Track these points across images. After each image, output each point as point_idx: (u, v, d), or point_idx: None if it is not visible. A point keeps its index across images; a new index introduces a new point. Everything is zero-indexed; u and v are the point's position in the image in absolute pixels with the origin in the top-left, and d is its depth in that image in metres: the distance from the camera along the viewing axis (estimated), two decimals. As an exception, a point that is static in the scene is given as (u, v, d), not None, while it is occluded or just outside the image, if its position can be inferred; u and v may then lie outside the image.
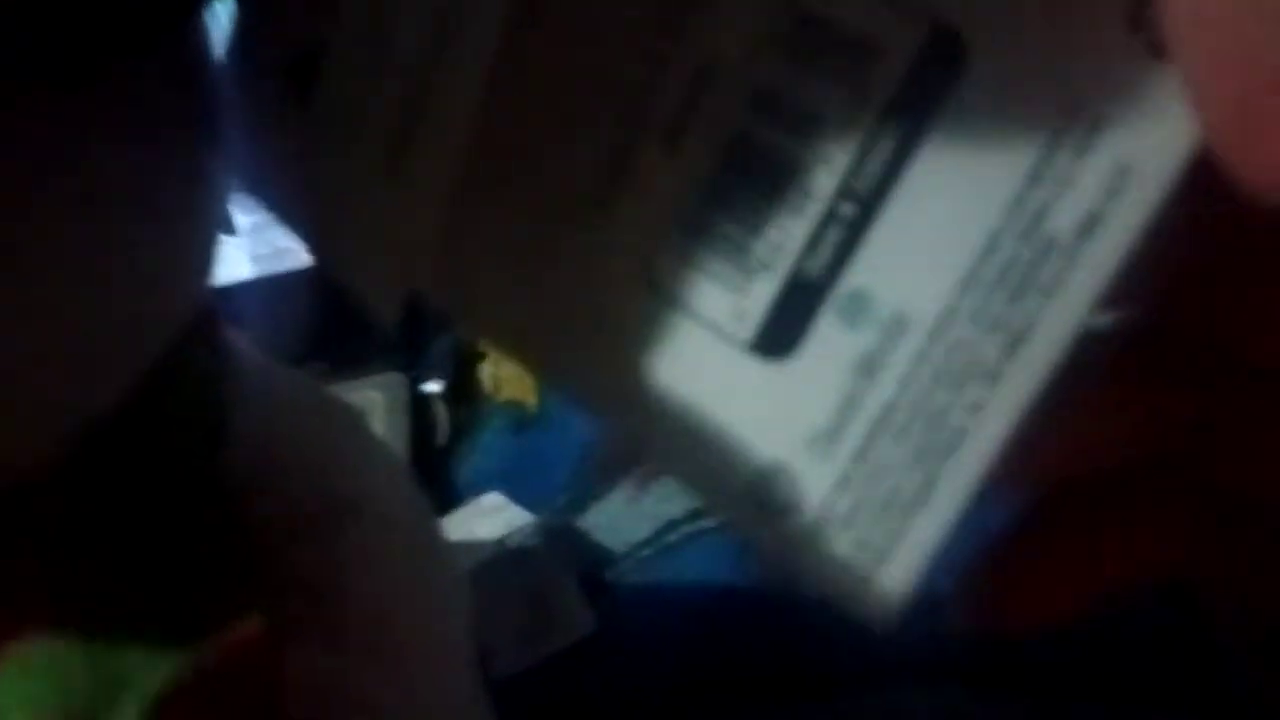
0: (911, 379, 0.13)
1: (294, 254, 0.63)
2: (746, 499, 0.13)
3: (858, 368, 0.13)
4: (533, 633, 0.46)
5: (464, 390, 0.61)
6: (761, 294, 0.13)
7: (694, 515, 0.50)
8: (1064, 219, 0.12)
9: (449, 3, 0.14)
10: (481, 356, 0.63)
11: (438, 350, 0.64)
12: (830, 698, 0.43)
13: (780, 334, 0.13)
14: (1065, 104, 0.12)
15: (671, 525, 0.50)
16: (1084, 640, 0.38)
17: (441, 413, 0.60)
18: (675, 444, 0.14)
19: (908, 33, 0.12)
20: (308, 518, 0.24)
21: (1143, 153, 0.12)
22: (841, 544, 0.13)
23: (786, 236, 0.13)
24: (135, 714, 0.17)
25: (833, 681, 0.43)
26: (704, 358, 0.14)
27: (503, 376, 0.61)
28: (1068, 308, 0.12)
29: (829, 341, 0.13)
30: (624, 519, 0.51)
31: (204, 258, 0.22)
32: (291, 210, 0.18)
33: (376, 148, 0.15)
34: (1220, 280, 0.13)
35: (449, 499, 0.55)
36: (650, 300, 0.14)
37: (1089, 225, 0.12)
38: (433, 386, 0.61)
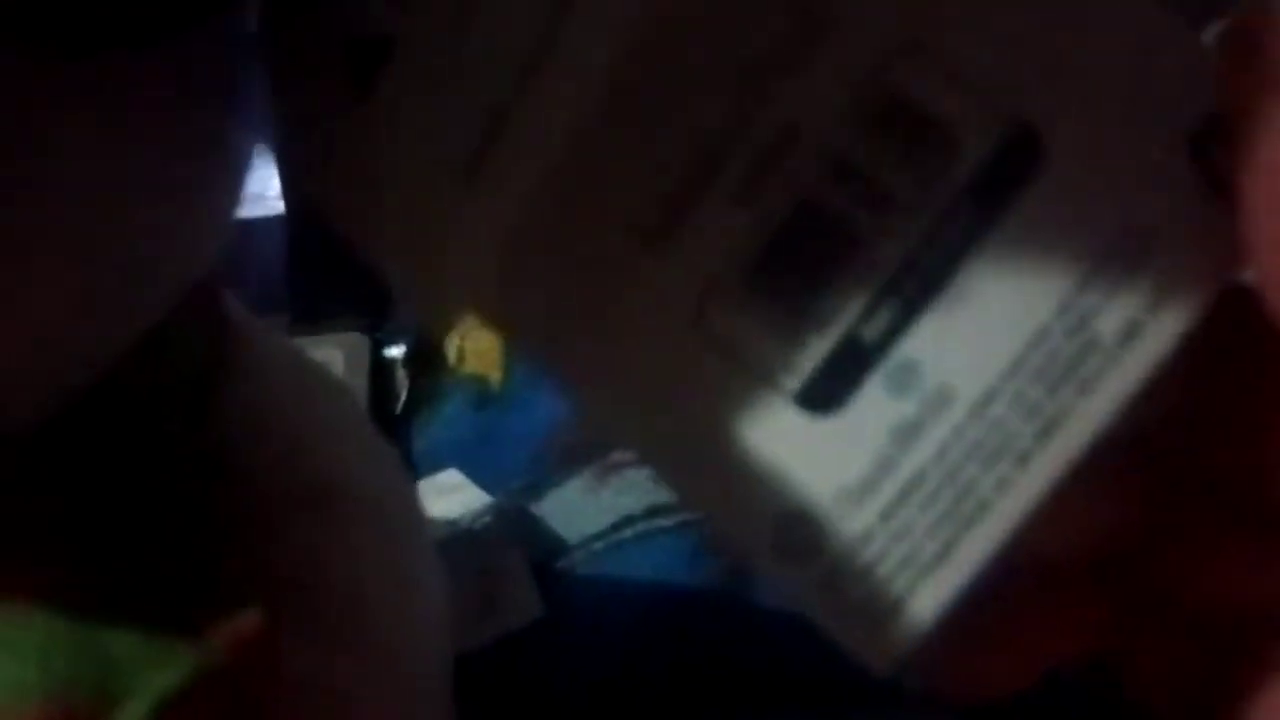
0: (946, 450, 0.14)
1: (261, 200, 0.61)
2: (769, 538, 0.14)
3: (896, 433, 0.14)
4: (479, 616, 0.45)
5: (427, 359, 0.60)
6: (814, 351, 0.14)
7: (652, 512, 0.50)
8: (1108, 323, 0.13)
9: (547, 19, 0.14)
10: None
11: (403, 315, 0.62)
12: (777, 710, 0.43)
13: (827, 390, 0.14)
14: (1125, 218, 0.13)
15: (628, 520, 0.50)
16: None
17: (402, 379, 0.58)
18: (706, 476, 0.14)
19: (989, 125, 0.13)
20: (292, 502, 0.23)
21: (1186, 275, 0.13)
22: (855, 593, 0.14)
23: (846, 300, 0.14)
24: (143, 714, 0.16)
25: (779, 693, 0.43)
26: (748, 401, 0.14)
27: (468, 349, 0.60)
28: (1100, 404, 0.13)
29: (873, 404, 0.14)
30: (580, 509, 0.51)
31: (217, 227, 0.21)
32: (329, 199, 0.17)
33: (455, 153, 0.14)
34: (1187, 393, 0.14)
35: (404, 470, 0.54)
36: (700, 341, 0.14)
37: (1130, 333, 0.13)
38: (395, 351, 0.60)
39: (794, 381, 0.14)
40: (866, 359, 0.14)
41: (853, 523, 0.14)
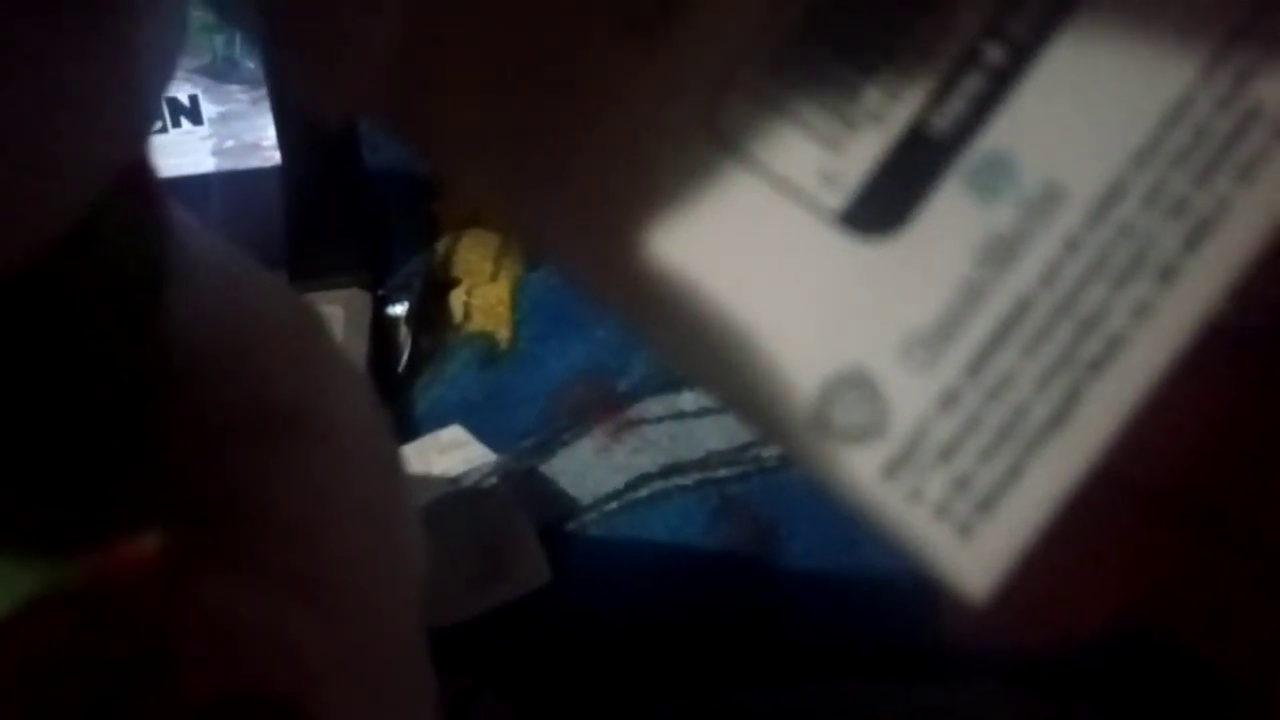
0: (1058, 271, 0.10)
1: (260, 151, 0.58)
2: (811, 418, 0.10)
3: (986, 252, 0.10)
4: (482, 581, 0.42)
5: (431, 316, 0.57)
6: (864, 152, 0.10)
7: (668, 471, 0.47)
8: (1273, 85, 0.10)
9: None
10: (455, 282, 0.59)
11: (408, 271, 0.60)
12: (797, 679, 0.40)
13: (884, 204, 0.10)
14: None
15: (643, 479, 0.46)
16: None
17: (405, 337, 0.56)
18: (723, 342, 0.11)
19: None
20: (238, 423, 0.20)
21: None
22: (934, 484, 0.10)
23: (908, 82, 0.10)
24: None
25: (805, 665, 0.40)
26: (776, 228, 0.11)
27: (475, 305, 0.57)
28: (1268, 195, 0.10)
29: (951, 216, 0.10)
30: (593, 469, 0.48)
31: (132, 120, 0.19)
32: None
33: None
34: (1239, 456, 0.12)
35: (406, 430, 0.51)
36: (710, 152, 0.11)
37: None
38: (398, 309, 0.57)
39: (838, 196, 0.11)
40: (939, 156, 0.10)
41: (928, 381, 0.10)
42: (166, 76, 0.21)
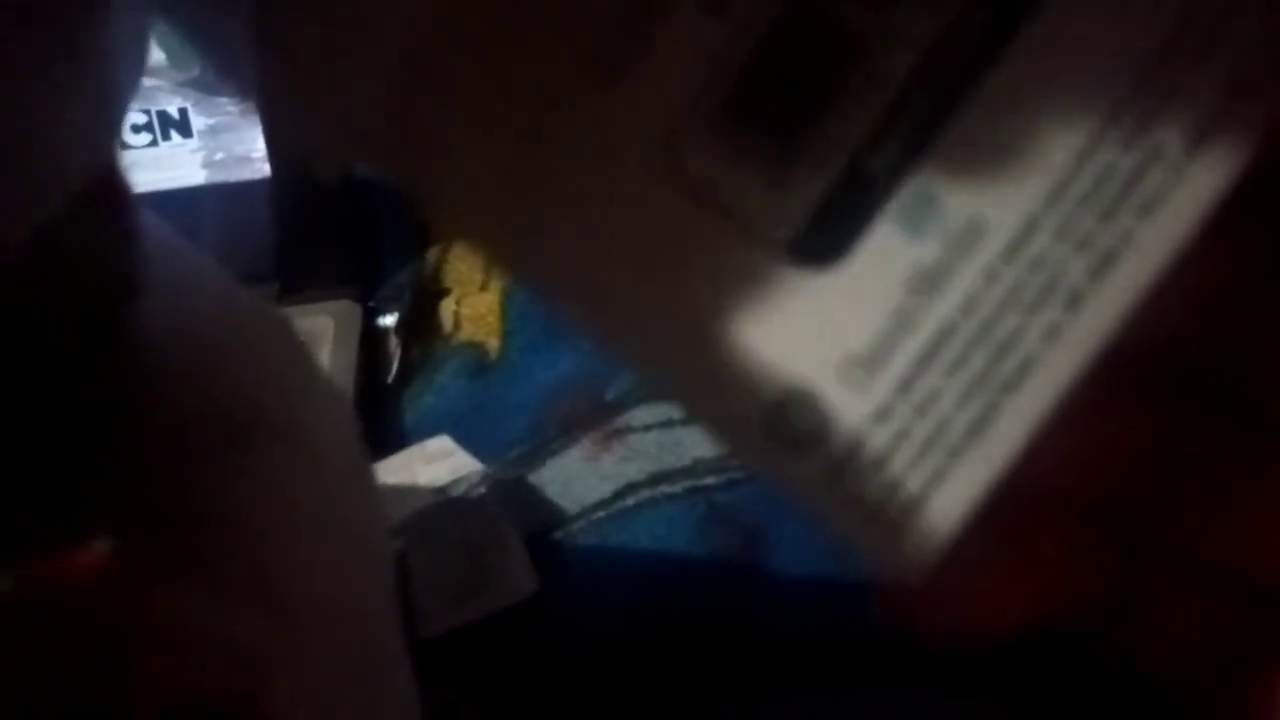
0: (978, 299, 0.11)
1: (251, 163, 0.58)
2: (763, 428, 0.12)
3: (915, 282, 0.11)
4: (468, 591, 0.42)
5: (421, 326, 0.57)
6: (809, 190, 0.11)
7: (656, 479, 0.46)
8: (1173, 130, 0.11)
9: None
10: (444, 292, 0.59)
11: (398, 282, 0.60)
12: (785, 685, 0.40)
13: (828, 237, 0.12)
14: (1184, 6, 0.11)
15: (631, 488, 0.46)
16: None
17: (394, 347, 0.56)
18: (682, 360, 0.12)
19: None
20: (205, 431, 0.20)
21: (1259, 68, 0.11)
22: (871, 486, 0.12)
23: (847, 124, 0.11)
24: None
25: (792, 673, 0.39)
26: (729, 259, 0.12)
27: (465, 315, 0.57)
28: (1166, 229, 0.11)
29: (885, 250, 0.11)
30: (580, 477, 0.48)
31: (96, 129, 0.19)
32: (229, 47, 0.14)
33: None
34: (1156, 464, 0.12)
35: (395, 440, 0.51)
36: (666, 189, 0.12)
37: (1198, 138, 0.11)
38: (388, 319, 0.57)
39: (786, 229, 0.11)
40: (875, 194, 0.11)
41: (864, 398, 0.11)
42: (133, 84, 0.21)
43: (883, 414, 0.11)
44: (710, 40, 0.11)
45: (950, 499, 0.11)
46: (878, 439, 0.12)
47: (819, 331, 0.11)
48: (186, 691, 0.16)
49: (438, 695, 0.42)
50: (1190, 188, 0.11)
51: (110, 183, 0.23)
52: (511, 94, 0.12)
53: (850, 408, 0.11)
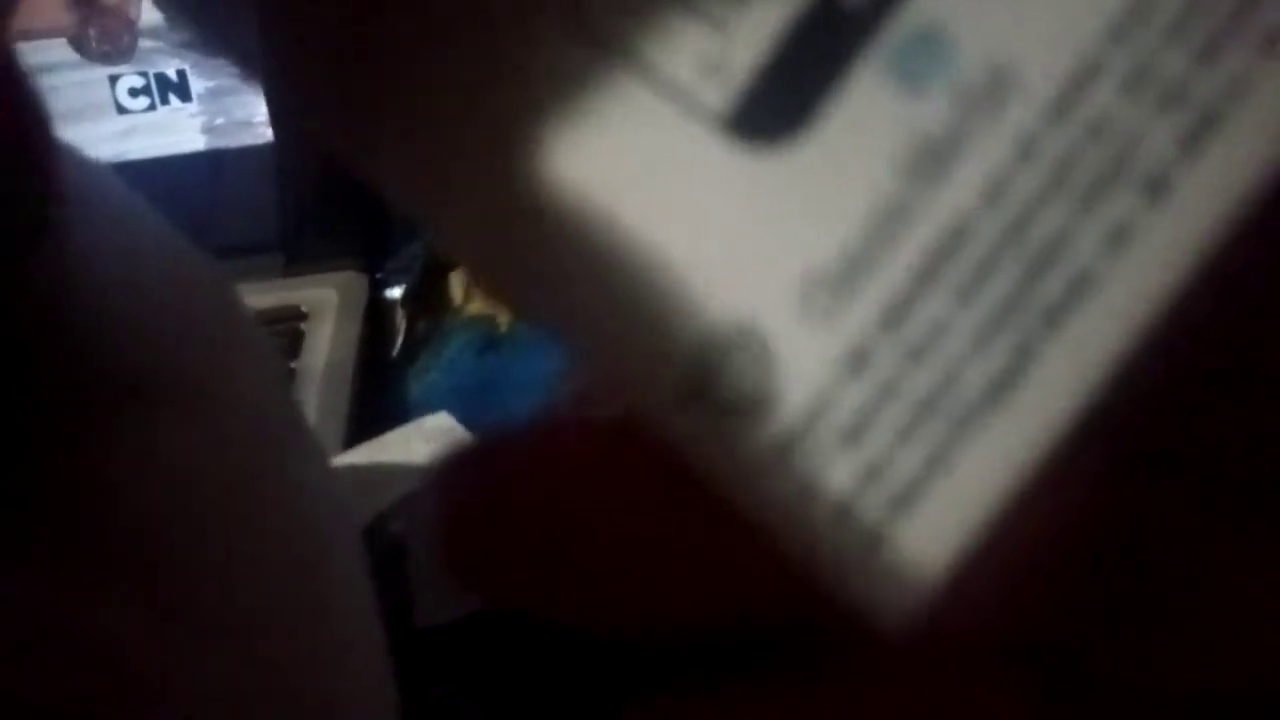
0: (1007, 184, 0.08)
1: (254, 128, 0.56)
2: (686, 385, 0.08)
3: (912, 159, 0.08)
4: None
5: (429, 299, 0.54)
6: (755, 32, 0.08)
7: (669, 461, 0.44)
8: None
9: None
10: (454, 264, 0.56)
11: (409, 253, 0.57)
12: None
13: (780, 101, 0.08)
14: None
15: (642, 470, 0.44)
16: None
17: (400, 320, 0.53)
18: (585, 288, 0.08)
19: None
20: (100, 394, 0.17)
21: None
22: (840, 473, 0.08)
23: None
24: None
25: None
26: (648, 138, 0.08)
27: (475, 288, 0.55)
28: None
29: (868, 114, 0.08)
30: (589, 458, 0.45)
31: None
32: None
33: None
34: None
35: (399, 416, 0.49)
36: (579, 49, 0.08)
37: None
38: (395, 292, 0.55)
39: (722, 94, 0.08)
40: (851, 35, 0.08)
41: (832, 337, 0.08)
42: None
43: (860, 361, 0.08)
44: None
45: (960, 493, 0.08)
46: (851, 399, 0.08)
47: (767, 241, 0.08)
48: (49, 693, 0.13)
49: (435, 693, 0.40)
50: None
51: (15, 119, 0.20)
52: None
53: (811, 352, 0.08)
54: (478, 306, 0.54)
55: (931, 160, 0.08)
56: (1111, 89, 0.08)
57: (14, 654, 0.13)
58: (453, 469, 0.09)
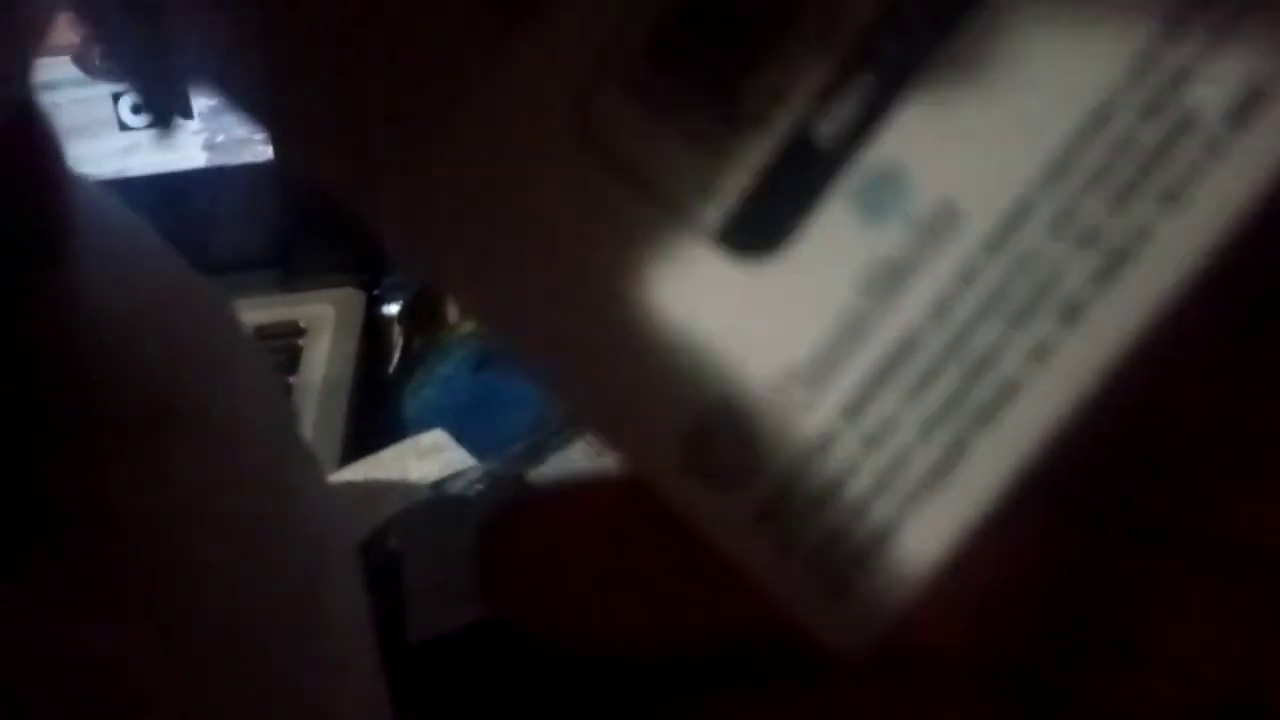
0: (950, 303, 0.09)
1: (253, 145, 0.57)
2: (679, 456, 0.10)
3: (872, 279, 0.09)
4: (458, 594, 0.40)
5: (426, 316, 0.55)
6: (744, 162, 0.10)
7: (661, 479, 0.44)
8: (1211, 90, 0.09)
9: None
10: (450, 281, 0.57)
11: (404, 271, 0.58)
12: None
13: (765, 221, 0.10)
14: None
15: (635, 487, 0.44)
16: None
17: (397, 337, 0.54)
18: (586, 364, 0.10)
19: None
20: (107, 418, 0.18)
21: None
22: (808, 535, 0.09)
23: (792, 79, 0.09)
24: None
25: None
26: (646, 244, 0.10)
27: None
28: (1197, 224, 0.09)
29: (836, 238, 0.09)
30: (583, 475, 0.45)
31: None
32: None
33: None
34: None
35: (394, 432, 0.50)
36: (574, 162, 0.10)
37: (1243, 106, 0.09)
38: (392, 308, 0.56)
39: (715, 209, 0.09)
40: (824, 169, 0.09)
41: (804, 422, 0.09)
42: (44, 25, 0.19)
43: (825, 443, 0.09)
44: None
45: (905, 556, 0.09)
46: (817, 475, 0.09)
47: (750, 338, 0.09)
48: (52, 712, 0.14)
49: (428, 703, 0.40)
50: (1229, 172, 0.09)
51: (24, 144, 0.21)
52: (405, 50, 0.10)
53: (785, 434, 0.09)
54: (472, 324, 0.55)
55: (888, 280, 0.09)
56: (1040, 228, 0.09)
57: (18, 665, 0.14)
58: (498, 523, 0.10)
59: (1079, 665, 0.10)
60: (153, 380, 0.20)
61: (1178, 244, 0.09)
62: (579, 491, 0.11)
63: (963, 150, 0.09)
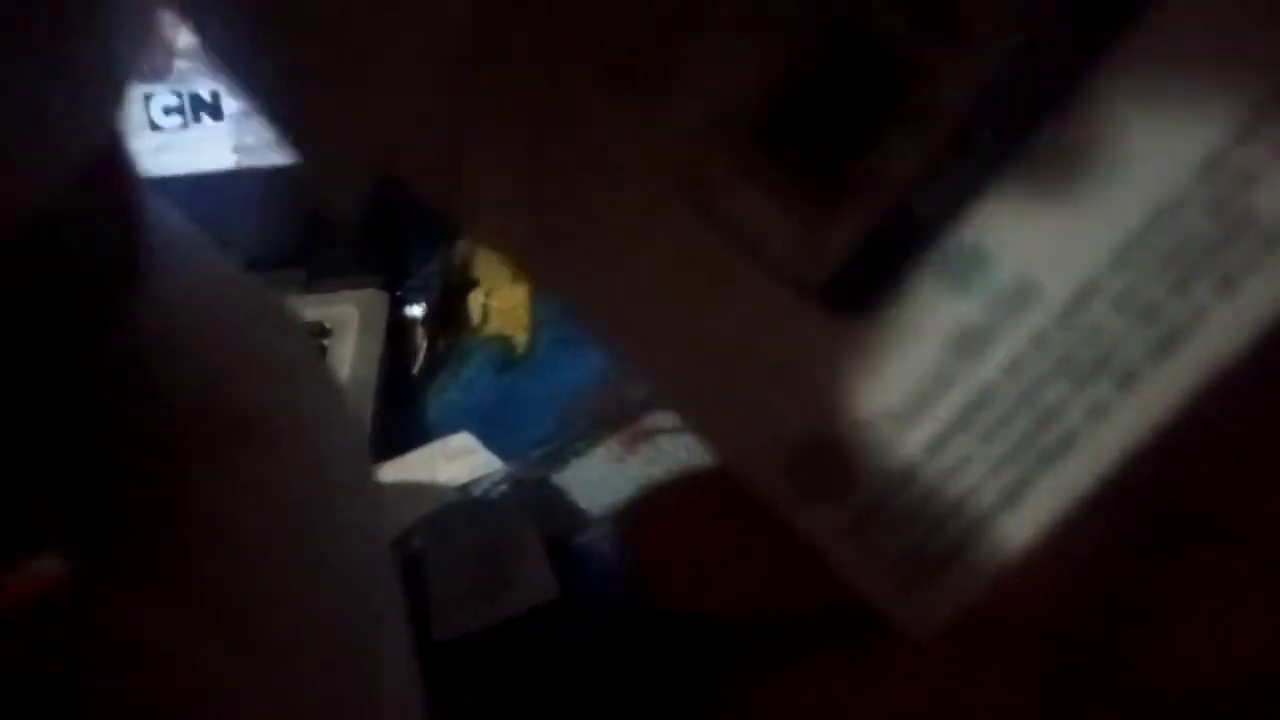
0: (1023, 365, 0.11)
1: (281, 148, 0.58)
2: (784, 473, 0.11)
3: (956, 342, 0.11)
4: (485, 593, 0.41)
5: (449, 318, 0.56)
6: (847, 230, 0.11)
7: (682, 484, 0.45)
8: (1270, 195, 0.10)
9: None
10: (474, 284, 0.58)
11: (427, 272, 0.59)
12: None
13: (863, 285, 0.11)
14: None
15: (656, 492, 0.45)
16: None
17: (421, 339, 0.55)
18: (704, 393, 0.11)
19: None
20: (198, 432, 0.19)
21: None
22: (890, 546, 0.11)
23: (894, 159, 0.11)
24: None
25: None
26: (756, 298, 0.11)
27: (493, 308, 0.56)
28: (1246, 312, 0.10)
29: (926, 304, 0.11)
30: (605, 479, 0.46)
31: (95, 110, 0.18)
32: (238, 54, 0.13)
33: None
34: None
35: (418, 434, 0.50)
36: (692, 220, 0.11)
37: None
38: (415, 310, 0.56)
39: (819, 273, 0.11)
40: (919, 241, 0.11)
41: (892, 456, 0.11)
42: (134, 63, 0.20)
43: (909, 475, 0.11)
44: (742, 60, 0.11)
45: (968, 568, 0.11)
46: (901, 500, 0.11)
47: (848, 383, 0.11)
48: (138, 713, 0.15)
49: (451, 702, 0.41)
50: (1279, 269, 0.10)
51: (113, 165, 0.22)
52: (539, 106, 0.11)
53: (876, 465, 0.11)
54: (496, 326, 0.56)
55: (970, 343, 0.11)
56: (1106, 304, 0.10)
57: (122, 671, 0.15)
58: (644, 512, 0.11)
59: (1118, 640, 0.11)
60: (224, 390, 0.21)
61: (1229, 325, 0.10)
62: (703, 480, 0.12)
63: (1042, 233, 0.10)
